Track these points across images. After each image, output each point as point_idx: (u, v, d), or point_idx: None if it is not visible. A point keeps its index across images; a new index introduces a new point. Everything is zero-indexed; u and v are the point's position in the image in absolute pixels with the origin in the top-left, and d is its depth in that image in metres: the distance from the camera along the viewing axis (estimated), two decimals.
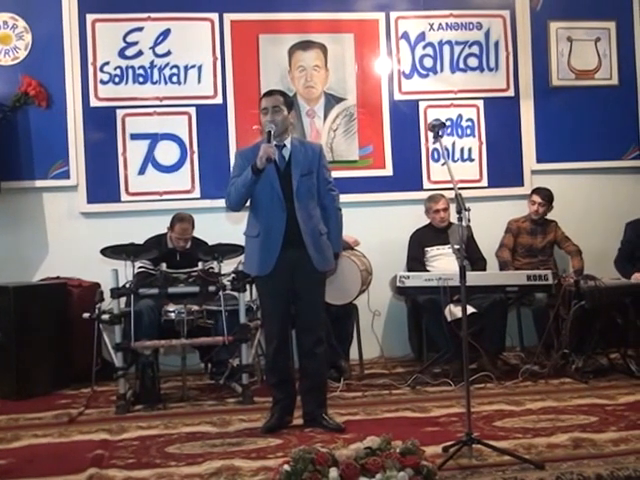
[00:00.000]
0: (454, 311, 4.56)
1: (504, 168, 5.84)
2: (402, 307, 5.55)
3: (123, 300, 4.44)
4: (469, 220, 3.14)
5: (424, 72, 5.79)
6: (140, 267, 4.66)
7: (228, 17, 5.54)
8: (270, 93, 3.72)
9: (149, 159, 5.48)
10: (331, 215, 3.74)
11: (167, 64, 5.50)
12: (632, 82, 6.01)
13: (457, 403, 4.03)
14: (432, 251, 5.15)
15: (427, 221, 5.28)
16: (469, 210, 3.14)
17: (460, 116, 5.81)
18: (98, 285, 4.91)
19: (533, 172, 5.86)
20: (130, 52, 5.47)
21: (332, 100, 5.67)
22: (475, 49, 5.83)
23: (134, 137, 5.46)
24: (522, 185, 5.83)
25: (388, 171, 5.69)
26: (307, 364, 3.70)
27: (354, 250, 5.03)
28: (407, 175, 5.71)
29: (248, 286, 4.54)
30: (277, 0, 5.61)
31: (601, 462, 2.99)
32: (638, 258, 5.06)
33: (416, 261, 5.16)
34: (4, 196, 5.28)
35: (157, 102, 5.50)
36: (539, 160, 5.88)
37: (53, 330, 4.77)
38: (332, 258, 3.74)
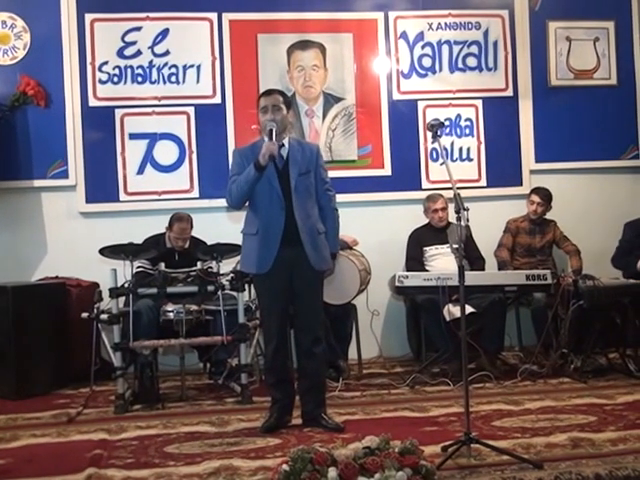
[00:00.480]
0: (453, 311, 4.56)
1: (503, 168, 5.84)
2: (401, 307, 5.55)
3: (122, 300, 4.44)
4: (468, 220, 3.15)
5: (423, 72, 5.79)
6: (139, 267, 4.66)
7: (227, 17, 5.54)
8: (269, 92, 3.74)
9: (148, 159, 5.48)
10: (328, 215, 3.75)
11: (166, 64, 5.50)
12: (631, 82, 6.02)
13: (456, 403, 4.03)
14: (431, 251, 5.16)
15: (426, 221, 5.29)
16: (468, 210, 3.14)
17: (459, 116, 5.82)
18: (97, 285, 4.90)
19: (532, 172, 5.86)
20: (129, 52, 5.47)
21: (331, 100, 5.67)
22: (474, 49, 5.84)
23: (133, 137, 5.46)
24: (521, 185, 5.84)
25: (387, 171, 5.69)
26: (306, 364, 3.71)
27: (353, 250, 5.03)
28: (406, 175, 5.71)
29: (247, 286, 4.54)
30: (276, 0, 5.61)
31: (600, 462, 2.99)
32: (636, 257, 5.06)
33: (415, 261, 5.16)
34: (3, 196, 5.28)
35: (156, 102, 5.50)
36: (538, 160, 5.88)
37: (52, 330, 4.77)
38: (329, 258, 3.74)
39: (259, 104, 3.70)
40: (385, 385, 4.60)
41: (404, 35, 5.76)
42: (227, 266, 4.65)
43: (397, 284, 4.62)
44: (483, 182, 5.83)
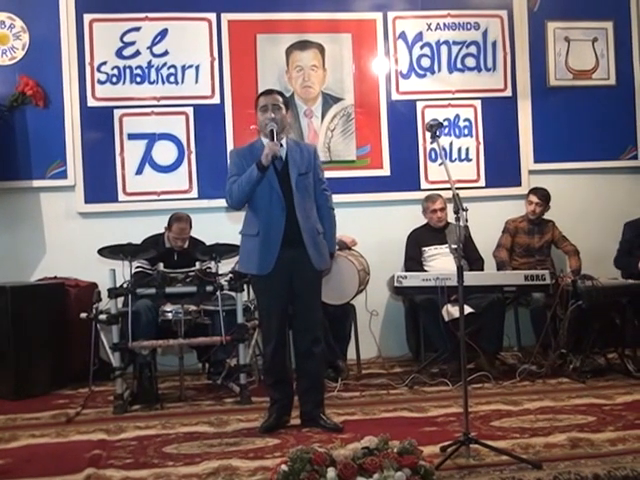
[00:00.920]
0: (451, 311, 4.57)
1: (501, 168, 5.84)
2: (400, 307, 5.55)
3: (120, 300, 4.43)
4: (467, 220, 3.15)
5: (422, 72, 5.79)
6: (137, 267, 4.66)
7: (226, 17, 5.54)
8: (269, 92, 3.75)
9: (146, 159, 5.47)
10: (325, 215, 3.76)
11: (164, 64, 5.50)
12: (629, 82, 6.02)
13: (455, 403, 4.04)
14: (429, 251, 5.16)
15: (425, 221, 5.29)
16: (467, 210, 3.15)
17: (458, 116, 5.82)
18: (95, 285, 4.90)
19: (530, 172, 5.87)
20: (127, 52, 5.46)
21: (330, 100, 5.67)
22: (473, 49, 5.84)
23: (131, 137, 5.46)
24: (519, 185, 5.84)
25: (386, 171, 5.69)
26: (305, 364, 3.71)
27: (352, 250, 5.03)
28: (405, 175, 5.71)
29: (245, 286, 4.54)
30: (275, 0, 5.61)
31: (599, 462, 2.99)
32: (636, 257, 5.06)
33: (413, 261, 5.16)
34: (1, 196, 5.28)
35: (154, 102, 5.49)
36: (536, 160, 5.88)
37: (50, 330, 4.76)
38: (329, 257, 3.76)
39: (258, 103, 3.70)
40: (384, 385, 4.60)
41: (403, 35, 5.77)
42: (226, 266, 4.66)
43: (396, 284, 4.62)
44: (482, 182, 5.83)
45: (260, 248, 3.59)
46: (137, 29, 5.47)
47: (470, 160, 5.83)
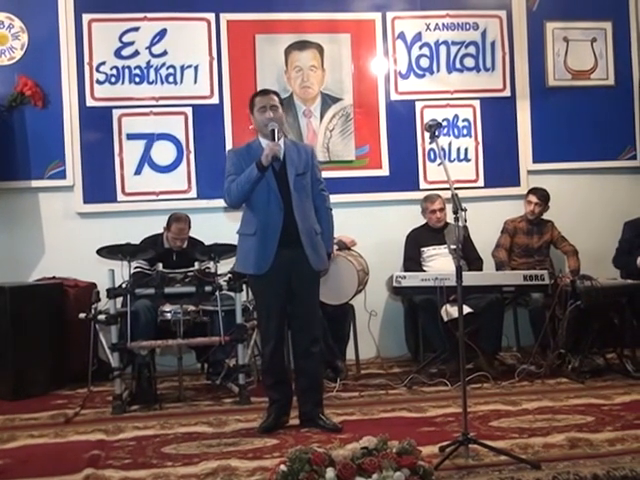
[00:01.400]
0: (450, 311, 4.57)
1: (500, 168, 5.84)
2: (399, 307, 5.55)
3: (119, 300, 4.43)
4: (465, 220, 3.15)
5: (420, 72, 5.79)
6: (136, 267, 4.65)
7: (224, 17, 5.54)
8: (265, 92, 3.76)
9: (145, 159, 5.47)
10: (323, 215, 3.76)
11: (163, 64, 5.50)
12: (628, 82, 6.02)
13: (453, 403, 4.04)
14: (428, 251, 5.16)
15: (423, 221, 5.29)
16: (465, 210, 3.15)
17: (456, 116, 5.82)
18: (94, 285, 4.90)
19: (529, 172, 5.87)
20: (126, 52, 5.46)
21: (329, 100, 5.67)
22: (471, 49, 5.84)
23: (130, 137, 5.46)
24: (518, 185, 5.84)
25: (384, 171, 5.69)
26: (303, 364, 3.71)
27: (351, 250, 5.03)
28: (403, 175, 5.71)
29: (244, 286, 4.54)
30: (273, 0, 5.61)
31: (597, 462, 3.00)
32: (636, 257, 5.06)
33: (412, 261, 5.16)
34: (0, 196, 5.27)
35: (153, 102, 5.49)
36: (535, 160, 5.88)
37: (49, 330, 4.76)
38: (326, 258, 3.76)
39: (254, 104, 3.71)
40: (383, 385, 4.60)
41: (402, 35, 5.77)
42: (225, 266, 4.65)
43: (395, 284, 4.62)
44: (481, 182, 5.83)
45: (257, 248, 3.59)
46: (136, 29, 5.47)
47: (469, 160, 5.83)
